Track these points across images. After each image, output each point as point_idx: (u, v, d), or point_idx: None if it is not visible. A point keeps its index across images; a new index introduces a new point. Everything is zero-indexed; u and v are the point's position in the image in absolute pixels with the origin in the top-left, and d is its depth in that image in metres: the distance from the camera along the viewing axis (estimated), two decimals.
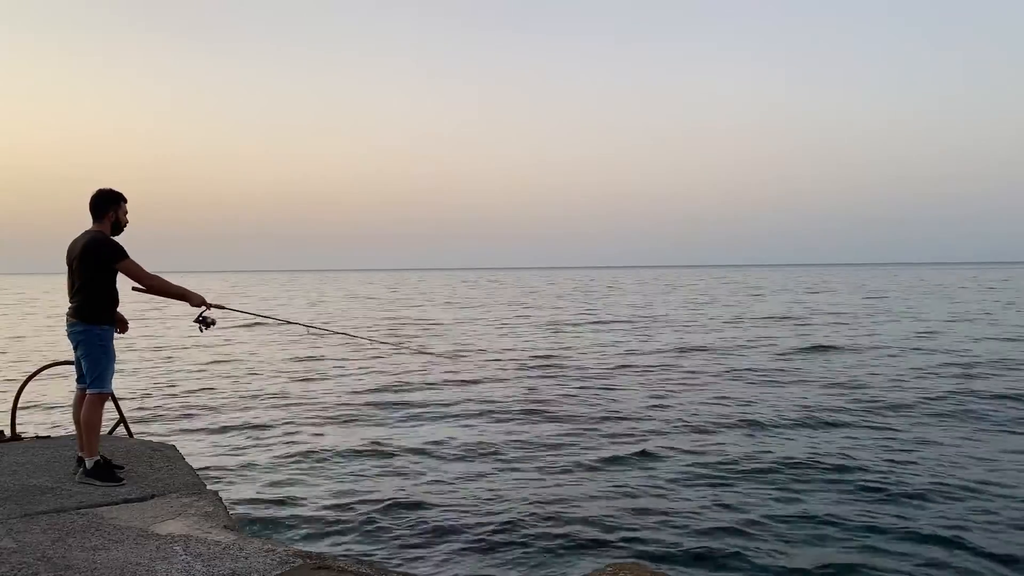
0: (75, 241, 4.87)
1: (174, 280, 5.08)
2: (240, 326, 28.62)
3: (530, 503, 6.88)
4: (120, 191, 5.00)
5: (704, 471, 7.85)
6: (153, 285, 4.88)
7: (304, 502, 7.00)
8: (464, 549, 5.86)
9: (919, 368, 15.03)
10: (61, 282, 5.01)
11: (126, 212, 5.04)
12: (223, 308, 5.26)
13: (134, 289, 4.92)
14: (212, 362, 18.12)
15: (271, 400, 12.67)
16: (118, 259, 4.77)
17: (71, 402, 5.17)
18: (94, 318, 4.82)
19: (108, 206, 4.93)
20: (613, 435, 9.62)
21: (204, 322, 4.98)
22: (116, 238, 5.03)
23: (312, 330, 6.90)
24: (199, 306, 4.99)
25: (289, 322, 6.77)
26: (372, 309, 40.71)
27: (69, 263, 4.88)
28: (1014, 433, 9.38)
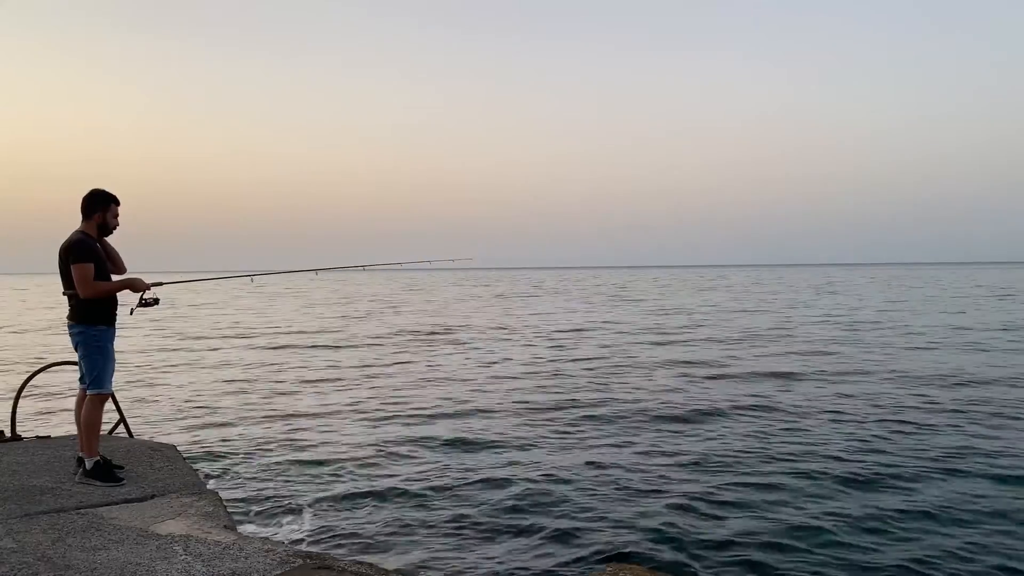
0: (63, 242, 4.89)
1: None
2: (239, 329, 28.71)
3: (531, 503, 6.88)
4: (113, 193, 5.01)
5: (709, 471, 7.85)
6: (88, 296, 4.75)
7: (304, 502, 7.00)
8: (465, 550, 5.86)
9: None
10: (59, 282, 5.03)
11: (116, 215, 5.04)
12: (161, 284, 5.26)
13: (84, 296, 4.77)
14: (211, 362, 18.11)
15: (271, 400, 12.67)
16: (73, 259, 4.73)
17: (72, 402, 5.19)
18: (90, 319, 4.84)
19: (96, 207, 4.94)
20: (617, 435, 9.62)
21: (147, 304, 5.08)
22: (107, 239, 5.06)
23: (256, 278, 7.50)
24: (144, 289, 5.03)
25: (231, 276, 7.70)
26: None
27: (59, 265, 4.89)
28: None
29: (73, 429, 5.46)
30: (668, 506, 6.75)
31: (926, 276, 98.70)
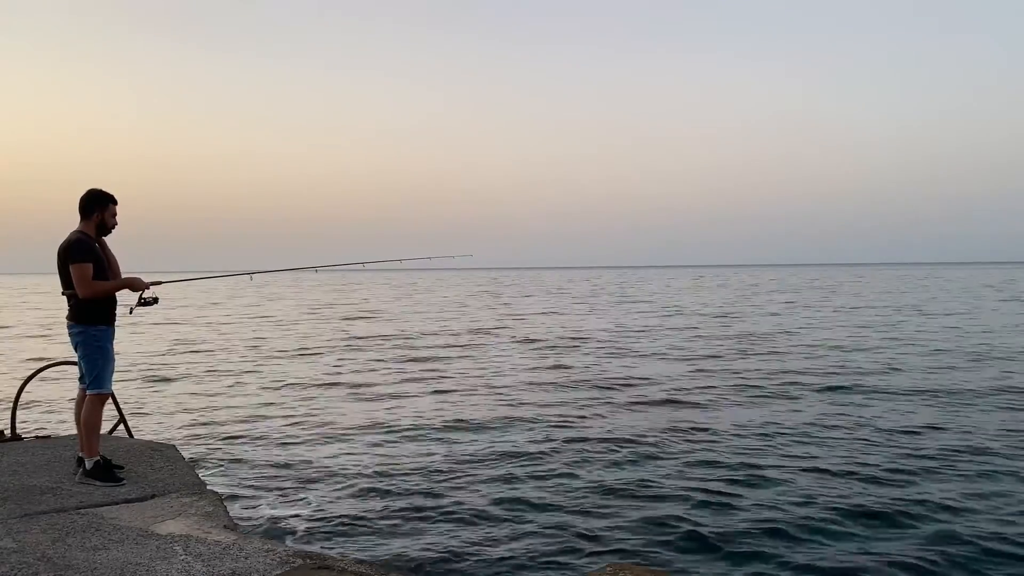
0: (62, 242, 4.89)
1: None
2: (239, 329, 28.72)
3: (532, 504, 6.88)
4: (111, 193, 5.01)
5: (707, 472, 7.85)
6: (86, 295, 4.74)
7: (304, 502, 7.00)
8: (465, 549, 5.86)
9: None
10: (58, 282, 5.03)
11: (114, 215, 5.04)
12: (161, 283, 5.27)
13: (83, 296, 4.77)
14: (211, 362, 18.11)
15: (272, 400, 12.67)
16: (73, 259, 4.74)
17: (72, 402, 5.19)
18: (90, 319, 4.83)
19: (94, 207, 4.94)
20: (619, 436, 9.62)
21: (146, 303, 5.09)
22: (106, 244, 5.07)
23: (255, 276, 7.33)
24: (143, 289, 5.03)
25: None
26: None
27: (58, 265, 4.89)
28: None
29: (73, 429, 5.46)
30: (669, 506, 6.75)
31: (934, 277, 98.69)
